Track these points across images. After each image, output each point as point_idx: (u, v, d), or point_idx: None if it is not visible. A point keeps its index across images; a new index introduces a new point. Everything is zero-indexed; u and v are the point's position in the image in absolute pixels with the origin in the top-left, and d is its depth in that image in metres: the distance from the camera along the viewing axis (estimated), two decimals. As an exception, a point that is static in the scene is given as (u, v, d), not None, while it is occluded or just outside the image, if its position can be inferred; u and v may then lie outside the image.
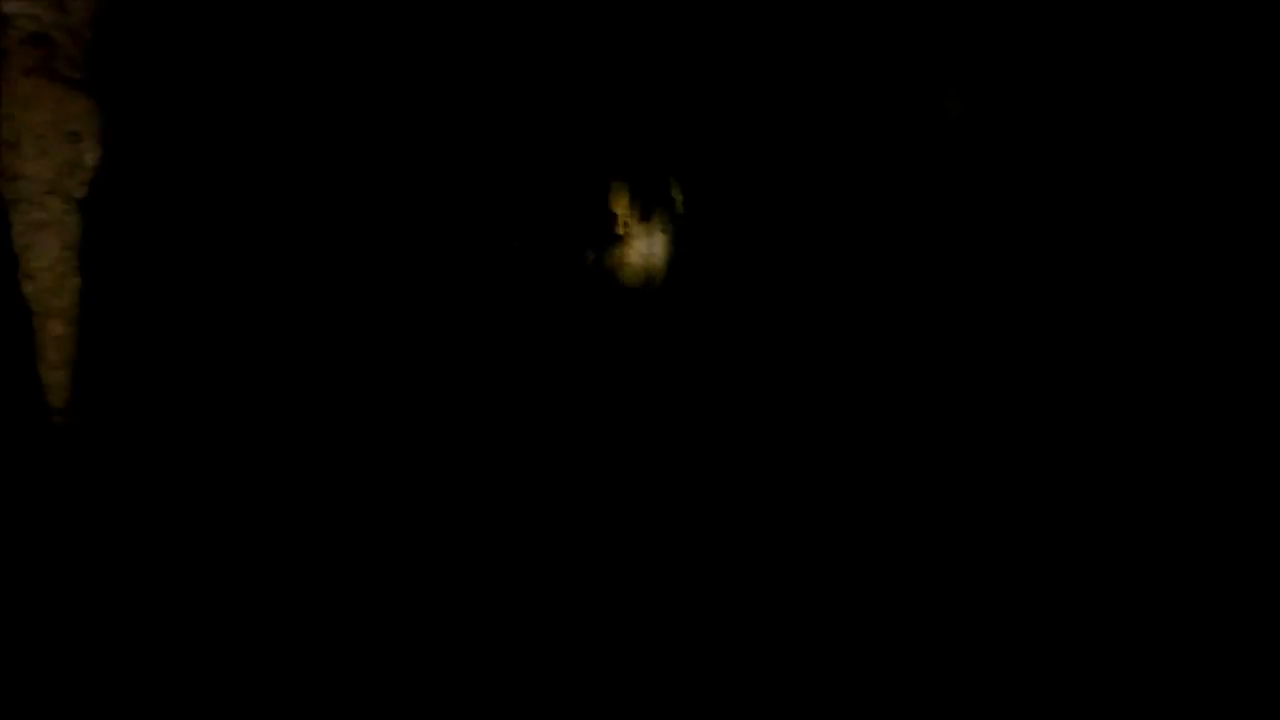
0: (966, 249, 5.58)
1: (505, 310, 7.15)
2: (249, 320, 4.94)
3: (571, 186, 7.73)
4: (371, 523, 4.40)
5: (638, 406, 7.27)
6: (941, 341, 5.67)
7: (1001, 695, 3.10)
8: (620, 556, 4.36)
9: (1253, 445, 4.40)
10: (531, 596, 3.81)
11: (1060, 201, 5.28)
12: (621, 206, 8.05)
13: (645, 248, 8.28)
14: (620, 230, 8.09)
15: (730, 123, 7.46)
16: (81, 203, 3.07)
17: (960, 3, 5.32)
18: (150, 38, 3.69)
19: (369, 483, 4.87)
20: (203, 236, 4.65)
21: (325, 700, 2.93)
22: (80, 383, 3.07)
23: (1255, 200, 4.61)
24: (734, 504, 5.17)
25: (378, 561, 3.96)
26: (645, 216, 8.22)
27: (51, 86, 3.02)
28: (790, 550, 4.45)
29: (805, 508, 5.00)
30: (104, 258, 3.23)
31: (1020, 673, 3.22)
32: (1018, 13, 5.19)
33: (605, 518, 4.97)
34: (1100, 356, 5.01)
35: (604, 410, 7.13)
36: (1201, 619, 3.51)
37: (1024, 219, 5.40)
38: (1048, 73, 5.21)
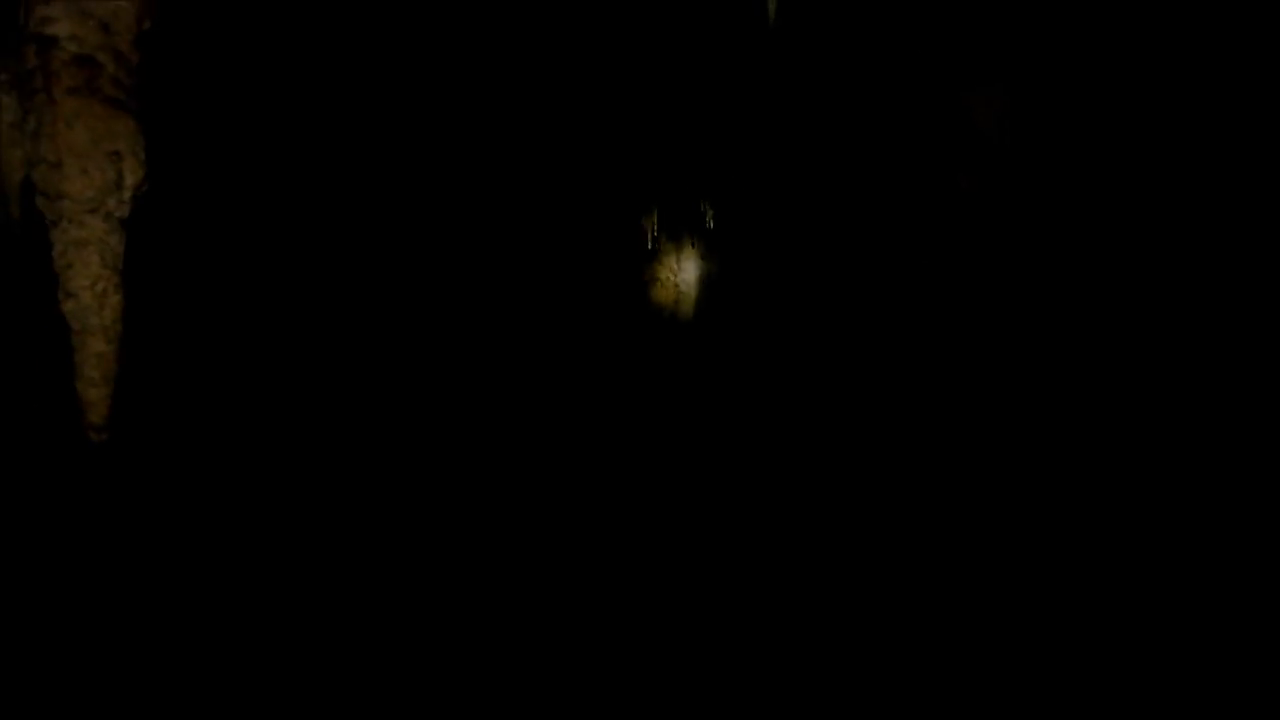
0: (999, 266, 5.50)
1: (541, 325, 7.16)
2: (291, 338, 4.97)
3: (604, 204, 7.74)
4: (405, 527, 4.41)
5: (668, 416, 7.26)
6: (966, 356, 5.59)
7: (1001, 695, 3.08)
8: (630, 559, 4.37)
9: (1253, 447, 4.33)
10: (540, 595, 3.83)
11: (1104, 222, 5.19)
12: (652, 224, 8.05)
13: (675, 264, 8.26)
14: (650, 247, 8.09)
15: (759, 143, 7.44)
16: (123, 221, 3.09)
17: (989, 11, 5.26)
18: (192, 59, 3.74)
19: (406, 492, 4.88)
20: (244, 256, 4.69)
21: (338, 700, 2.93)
22: (120, 400, 3.09)
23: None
24: (752, 509, 5.16)
25: (420, 565, 3.98)
26: (675, 234, 8.21)
27: (94, 107, 3.05)
28: (807, 551, 4.44)
29: (824, 513, 4.98)
30: (145, 276, 3.25)
31: (1020, 672, 3.20)
32: (1051, 19, 5.11)
33: (627, 518, 4.97)
34: (1139, 370, 4.92)
35: (635, 418, 7.12)
36: (1201, 619, 3.47)
37: (1063, 241, 5.31)
38: (1085, 80, 5.13)
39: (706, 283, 8.26)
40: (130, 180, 3.08)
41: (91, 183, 3.03)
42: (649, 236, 8.06)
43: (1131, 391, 4.92)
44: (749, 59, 6.62)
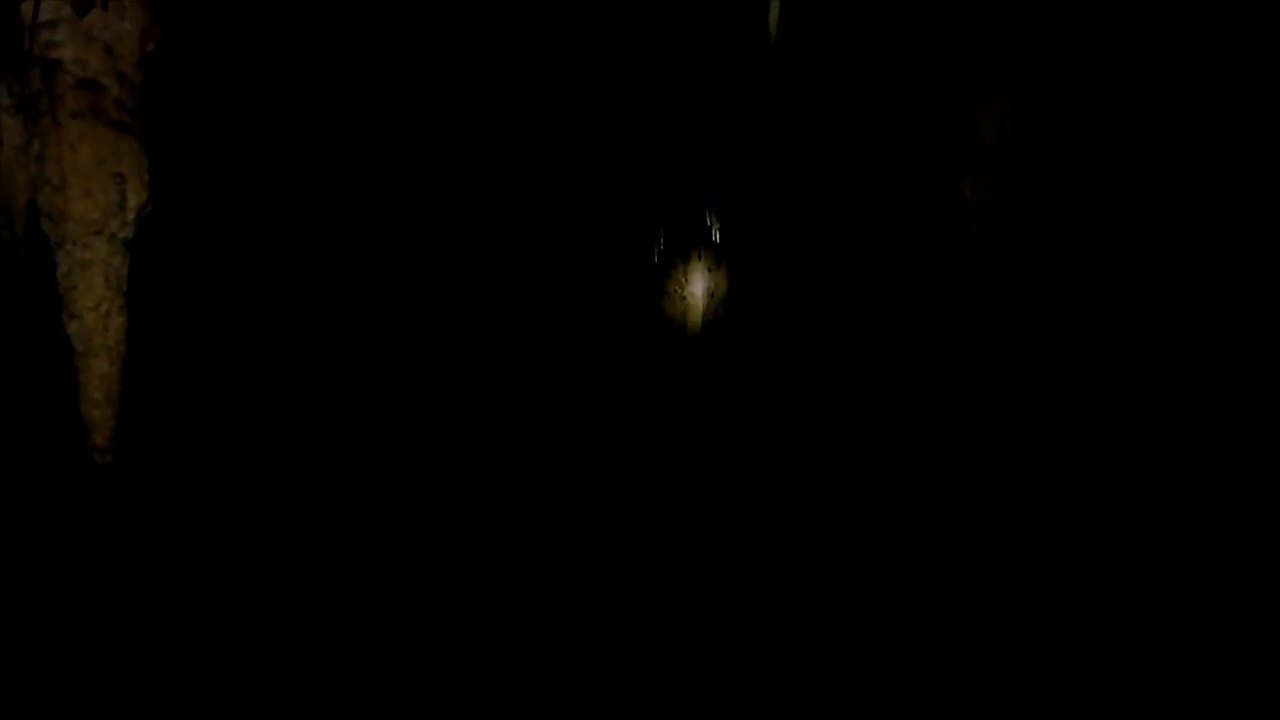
0: (1001, 275, 5.47)
1: (553, 337, 7.16)
2: (296, 358, 4.97)
3: (613, 219, 7.75)
4: (416, 540, 4.41)
5: (677, 425, 7.26)
6: (969, 362, 5.56)
7: (1001, 695, 3.07)
8: (637, 562, 4.38)
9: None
10: (548, 598, 3.84)
11: (1105, 231, 5.16)
12: (658, 238, 8.05)
13: (683, 277, 8.26)
14: (658, 261, 8.09)
15: (764, 156, 7.44)
16: (126, 243, 3.10)
17: (994, 23, 5.24)
18: (196, 81, 3.75)
19: (417, 504, 4.88)
20: (247, 275, 4.71)
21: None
22: (124, 421, 3.09)
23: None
24: (759, 514, 5.18)
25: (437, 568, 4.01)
26: (683, 248, 8.20)
27: (98, 129, 3.07)
28: (810, 557, 4.45)
29: (829, 519, 4.99)
30: (149, 297, 3.26)
31: (1020, 673, 3.18)
32: (1057, 31, 5.09)
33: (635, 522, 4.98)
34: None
35: (645, 428, 7.13)
36: (1201, 619, 3.43)
37: (1066, 249, 5.28)
38: (1089, 92, 5.11)
39: (713, 295, 8.25)
40: (133, 202, 3.09)
41: (95, 205, 3.04)
42: (657, 251, 8.06)
43: (1136, 398, 4.89)
44: (752, 74, 6.63)
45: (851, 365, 6.66)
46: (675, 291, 8.29)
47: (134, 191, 3.10)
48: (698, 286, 8.28)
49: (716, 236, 8.05)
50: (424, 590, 3.99)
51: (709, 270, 8.18)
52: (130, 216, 3.10)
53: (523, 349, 6.97)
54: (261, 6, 4.30)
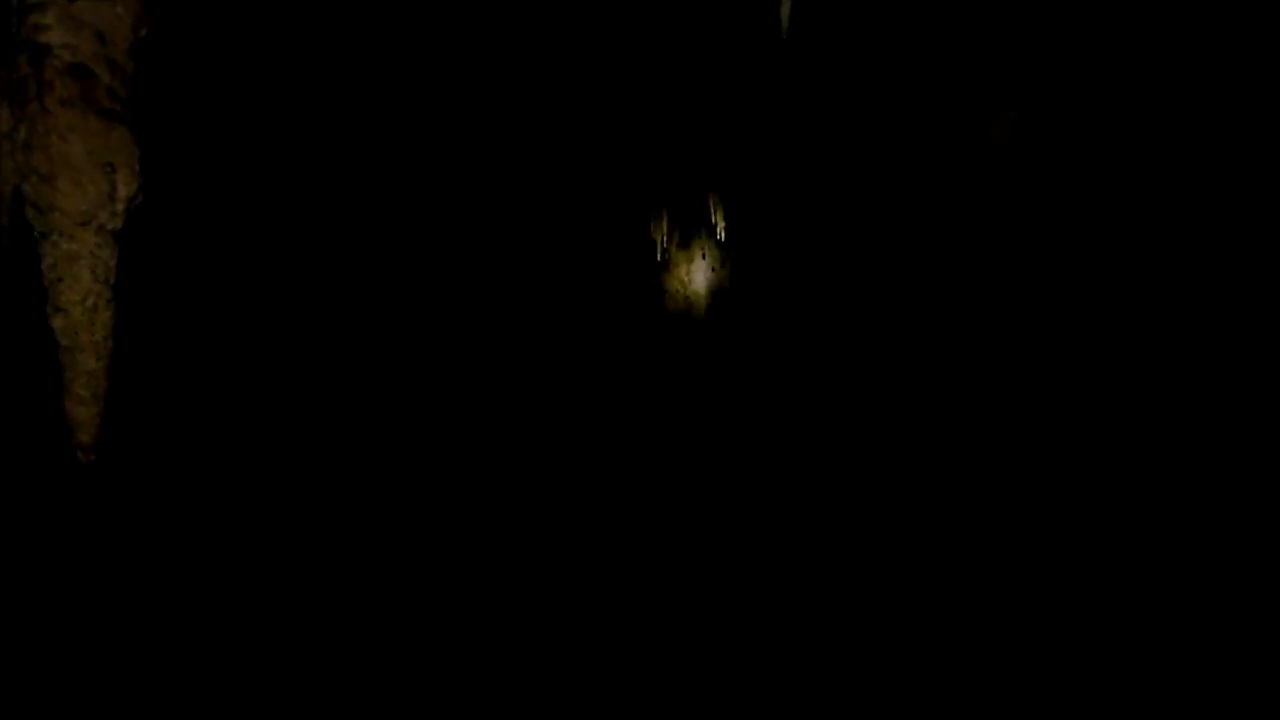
0: (1006, 274, 5.41)
1: (557, 335, 7.12)
2: (288, 354, 4.90)
3: (617, 216, 7.69)
4: (416, 535, 4.37)
5: (677, 423, 7.25)
6: (969, 360, 5.51)
7: (1001, 695, 3.05)
8: (626, 559, 4.37)
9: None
10: (556, 591, 3.83)
11: (1112, 234, 5.09)
12: (661, 233, 7.98)
13: (685, 275, 8.19)
14: (660, 258, 8.02)
15: (771, 154, 7.37)
16: (115, 234, 3.01)
17: (1010, 20, 5.17)
18: (190, 69, 3.67)
19: (416, 498, 4.83)
20: (240, 272, 4.62)
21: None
22: (110, 419, 3.00)
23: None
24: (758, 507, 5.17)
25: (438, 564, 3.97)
26: (685, 243, 8.14)
27: (89, 118, 2.97)
28: (809, 548, 4.45)
29: (829, 512, 4.97)
30: (137, 291, 3.17)
31: (1020, 672, 3.16)
32: (1070, 37, 5.02)
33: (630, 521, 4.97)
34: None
35: (646, 424, 7.11)
36: (1201, 619, 3.39)
37: (1072, 251, 5.22)
38: (1100, 97, 5.04)
39: (716, 292, 8.19)
40: (123, 192, 3.00)
41: (85, 196, 2.94)
42: (659, 248, 8.00)
43: (1139, 398, 4.84)
44: (761, 72, 6.56)
45: (854, 365, 6.61)
46: (678, 290, 8.23)
47: (124, 182, 3.00)
48: (700, 284, 8.22)
49: (721, 234, 7.99)
50: (421, 582, 3.94)
51: (714, 270, 8.12)
52: (120, 207, 3.00)
53: (525, 345, 6.92)
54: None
